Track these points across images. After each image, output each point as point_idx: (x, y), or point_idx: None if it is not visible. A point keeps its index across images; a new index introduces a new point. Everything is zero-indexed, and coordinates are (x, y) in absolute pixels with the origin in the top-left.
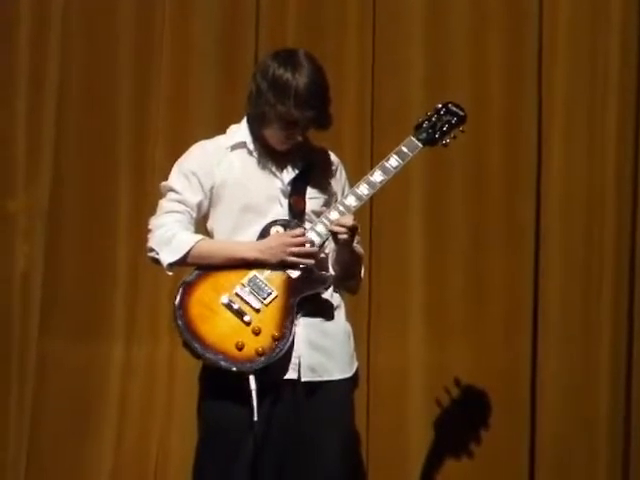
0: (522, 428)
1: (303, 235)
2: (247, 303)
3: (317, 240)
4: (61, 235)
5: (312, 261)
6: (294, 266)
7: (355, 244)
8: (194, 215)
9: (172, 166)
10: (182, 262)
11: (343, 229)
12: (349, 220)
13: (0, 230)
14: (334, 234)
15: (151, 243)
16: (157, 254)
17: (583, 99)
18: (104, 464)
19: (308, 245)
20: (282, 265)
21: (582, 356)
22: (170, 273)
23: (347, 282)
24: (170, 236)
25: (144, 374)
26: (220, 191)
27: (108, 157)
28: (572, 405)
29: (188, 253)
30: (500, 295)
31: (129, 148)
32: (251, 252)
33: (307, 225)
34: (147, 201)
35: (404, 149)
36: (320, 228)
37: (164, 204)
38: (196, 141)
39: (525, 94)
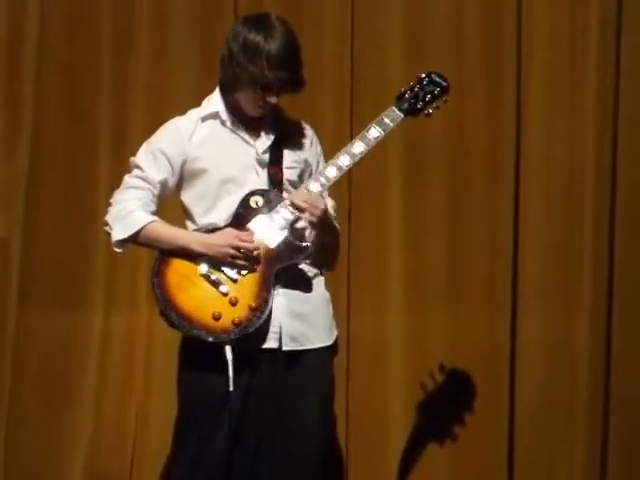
0: (501, 395)
1: (251, 240)
2: (224, 273)
3: (295, 210)
4: (40, 204)
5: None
6: (234, 266)
7: (332, 220)
8: (156, 192)
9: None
10: (132, 240)
11: (304, 206)
12: (310, 198)
13: None
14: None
15: (107, 217)
16: (110, 229)
17: (563, 70)
18: (84, 433)
19: (255, 250)
20: (222, 263)
21: (562, 322)
22: (119, 250)
23: (323, 258)
24: (126, 213)
25: (123, 343)
26: (194, 165)
27: (88, 126)
28: (552, 373)
29: (138, 232)
30: (480, 262)
31: (109, 117)
32: (197, 245)
33: (285, 194)
34: (127, 170)
35: (385, 119)
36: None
37: (127, 179)
38: (175, 114)
39: (505, 64)
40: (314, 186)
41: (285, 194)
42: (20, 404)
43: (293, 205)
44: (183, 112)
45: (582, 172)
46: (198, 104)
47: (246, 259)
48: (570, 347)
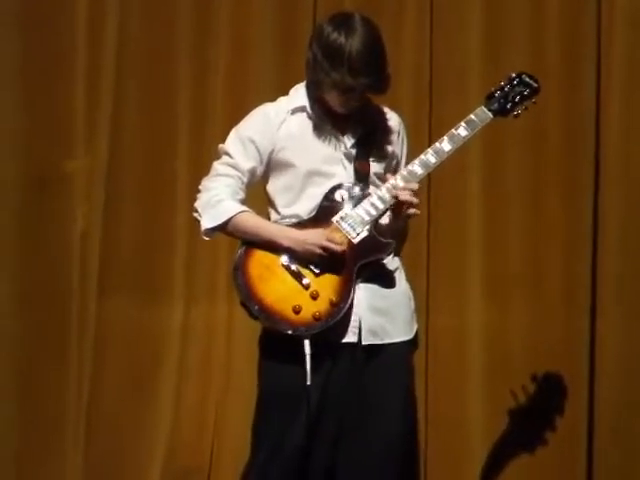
0: (580, 391)
1: (340, 243)
2: (307, 266)
3: (380, 206)
4: (120, 196)
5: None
6: (318, 265)
7: None
8: (245, 180)
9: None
10: (221, 229)
11: (407, 193)
12: (414, 185)
13: (59, 191)
14: (397, 201)
15: (197, 204)
16: (200, 216)
17: None
18: (163, 425)
19: (340, 249)
20: (308, 261)
21: None
22: (207, 238)
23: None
24: (215, 202)
25: (202, 335)
26: (280, 155)
27: (168, 117)
28: (631, 367)
29: (227, 222)
30: (559, 257)
31: (189, 108)
32: (285, 240)
33: (371, 189)
34: (206, 163)
35: (474, 119)
36: (384, 194)
37: (217, 167)
38: (255, 105)
39: (584, 56)
40: (399, 182)
41: (371, 188)
42: (100, 396)
43: (393, 191)
44: (262, 101)
45: None
46: (277, 93)
47: (332, 259)
48: None
